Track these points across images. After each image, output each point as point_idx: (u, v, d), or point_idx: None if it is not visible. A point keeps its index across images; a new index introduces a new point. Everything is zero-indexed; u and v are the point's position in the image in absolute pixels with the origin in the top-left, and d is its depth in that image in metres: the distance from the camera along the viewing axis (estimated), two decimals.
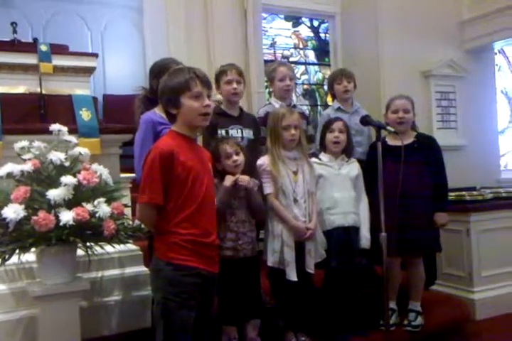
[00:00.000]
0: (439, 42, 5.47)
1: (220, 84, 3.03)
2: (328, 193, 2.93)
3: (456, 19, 5.65)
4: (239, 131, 2.94)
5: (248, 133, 2.99)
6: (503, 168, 6.40)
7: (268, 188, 2.72)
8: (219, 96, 3.16)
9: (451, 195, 3.76)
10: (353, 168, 3.04)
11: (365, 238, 2.94)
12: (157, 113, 2.62)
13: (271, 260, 2.69)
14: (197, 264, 2.05)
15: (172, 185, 2.02)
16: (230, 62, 3.16)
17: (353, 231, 2.93)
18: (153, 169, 2.00)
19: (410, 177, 2.95)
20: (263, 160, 2.77)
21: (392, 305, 3.14)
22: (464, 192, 3.96)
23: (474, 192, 4.00)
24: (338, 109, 3.60)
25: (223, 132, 2.90)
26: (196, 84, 2.07)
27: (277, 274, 2.69)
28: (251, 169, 2.73)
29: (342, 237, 2.88)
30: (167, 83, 2.10)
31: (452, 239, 3.69)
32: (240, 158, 2.60)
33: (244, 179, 2.57)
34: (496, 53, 6.30)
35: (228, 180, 2.54)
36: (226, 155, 2.58)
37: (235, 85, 2.97)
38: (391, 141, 3.09)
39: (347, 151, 3.06)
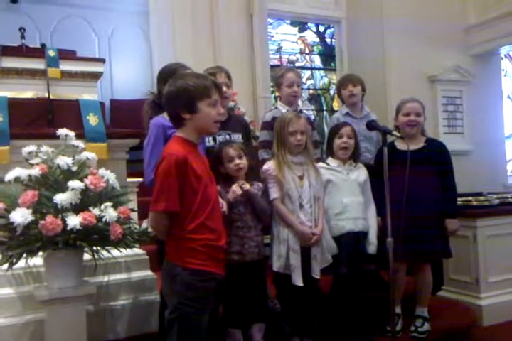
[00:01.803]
0: (445, 47, 5.47)
1: None
2: (337, 198, 2.92)
3: (462, 24, 5.66)
4: (227, 136, 2.82)
5: (237, 138, 2.87)
6: (510, 173, 6.37)
7: (274, 193, 2.72)
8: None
9: (458, 201, 3.74)
10: (361, 173, 3.03)
11: (372, 244, 2.93)
12: (166, 117, 2.61)
13: (276, 265, 2.68)
14: (213, 269, 2.05)
15: (186, 192, 2.00)
16: (217, 65, 3.11)
17: (361, 236, 2.92)
18: (169, 176, 1.97)
19: (419, 182, 2.93)
20: (269, 165, 2.77)
21: (397, 309, 3.13)
22: (470, 198, 3.94)
23: (481, 198, 3.98)
24: (347, 114, 3.60)
25: (210, 140, 2.78)
26: (214, 92, 2.07)
27: (283, 279, 2.68)
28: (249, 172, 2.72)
29: (351, 243, 2.87)
30: (184, 86, 2.04)
31: (459, 244, 3.67)
32: (243, 162, 2.61)
33: (246, 187, 2.58)
34: (502, 58, 6.29)
35: (232, 195, 2.54)
36: (229, 158, 2.60)
37: (224, 89, 2.81)
38: (400, 145, 3.08)
39: (354, 156, 3.06)
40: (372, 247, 2.91)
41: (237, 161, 2.59)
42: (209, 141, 2.79)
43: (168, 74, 2.66)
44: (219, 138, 2.81)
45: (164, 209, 1.99)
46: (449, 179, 3.12)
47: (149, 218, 2.09)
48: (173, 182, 1.97)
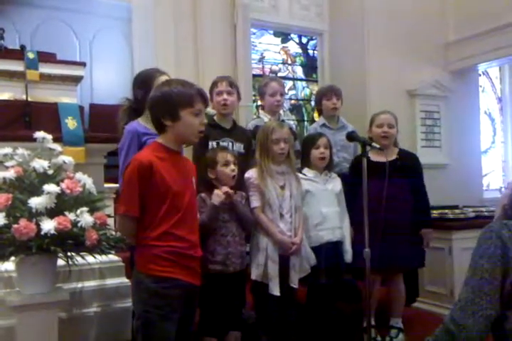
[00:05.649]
0: (424, 62, 5.55)
1: (212, 96, 3.04)
2: (316, 209, 2.93)
3: (441, 40, 5.75)
4: (230, 144, 2.90)
5: (239, 147, 2.97)
6: (485, 188, 6.47)
7: (255, 202, 2.71)
8: (212, 111, 3.15)
9: (434, 213, 3.78)
10: (337, 184, 3.06)
11: (348, 252, 2.95)
12: (141, 123, 2.58)
13: (255, 273, 2.67)
14: (177, 275, 2.02)
15: (151, 198, 1.99)
16: (228, 75, 3.27)
17: (339, 246, 2.94)
18: (131, 181, 1.98)
19: (393, 193, 2.97)
20: (251, 174, 2.76)
21: (371, 321, 3.13)
22: (446, 210, 3.98)
23: (457, 211, 4.03)
24: (323, 125, 3.63)
25: (214, 144, 2.87)
26: (198, 102, 2.06)
27: (261, 288, 2.67)
28: (241, 183, 2.72)
29: (331, 253, 2.89)
30: (168, 93, 2.03)
31: (434, 256, 3.70)
32: (236, 170, 2.60)
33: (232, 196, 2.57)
34: (480, 75, 6.41)
35: (216, 199, 2.52)
36: (226, 162, 2.57)
37: (225, 96, 2.97)
38: (374, 157, 3.09)
39: (329, 167, 3.08)
40: (347, 256, 2.94)
41: (233, 167, 2.58)
42: (212, 145, 2.81)
43: (142, 79, 2.66)
44: (222, 145, 2.86)
45: (123, 213, 1.99)
46: (421, 190, 3.17)
47: (116, 220, 2.08)
48: (134, 187, 1.97)
